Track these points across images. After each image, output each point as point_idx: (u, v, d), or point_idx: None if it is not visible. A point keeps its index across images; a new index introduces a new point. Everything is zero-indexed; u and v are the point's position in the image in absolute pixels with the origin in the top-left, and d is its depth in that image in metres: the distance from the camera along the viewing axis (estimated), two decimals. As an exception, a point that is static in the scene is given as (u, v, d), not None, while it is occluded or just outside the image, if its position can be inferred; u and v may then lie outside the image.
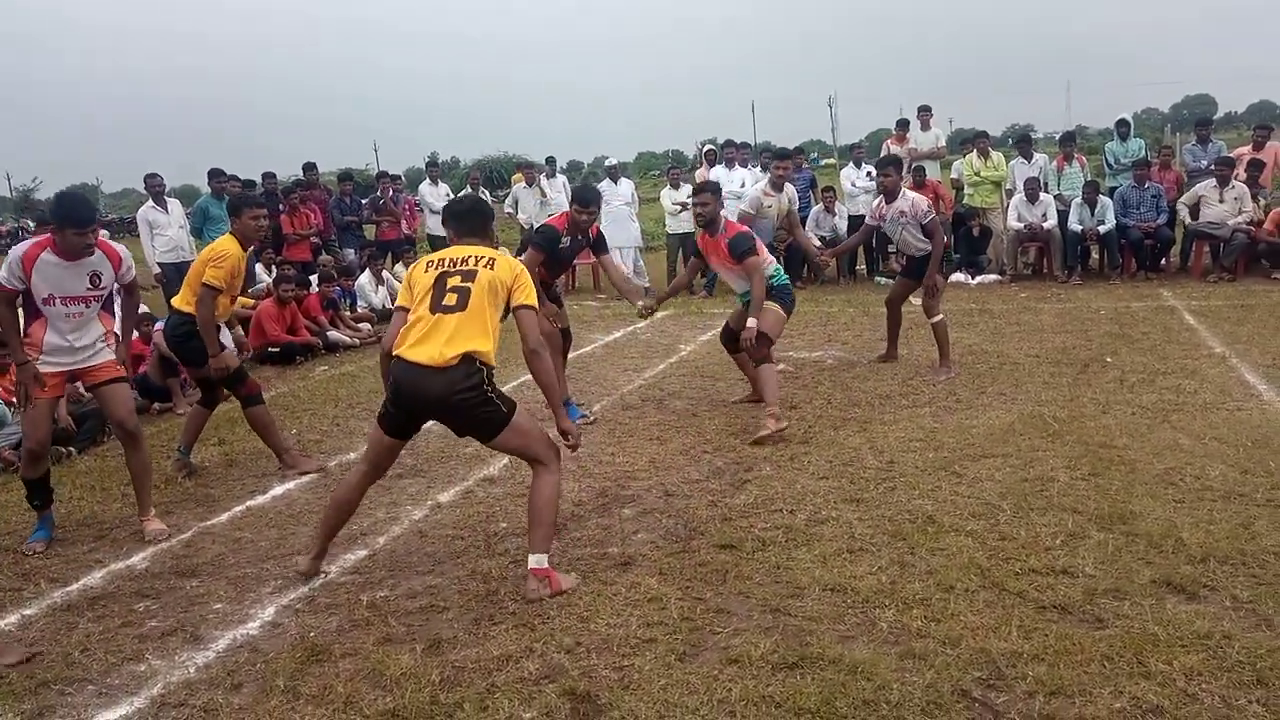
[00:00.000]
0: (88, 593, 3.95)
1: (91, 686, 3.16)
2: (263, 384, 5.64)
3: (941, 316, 7.01)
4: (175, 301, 5.51)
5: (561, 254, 6.10)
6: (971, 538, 3.89)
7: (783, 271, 6.16)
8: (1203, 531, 3.82)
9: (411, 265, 3.89)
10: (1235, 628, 3.07)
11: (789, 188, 7.50)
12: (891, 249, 12.68)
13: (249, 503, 4.96)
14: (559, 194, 12.95)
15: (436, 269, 3.71)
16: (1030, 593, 3.38)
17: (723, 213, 6.09)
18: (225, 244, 5.30)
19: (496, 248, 4.02)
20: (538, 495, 3.69)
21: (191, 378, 5.57)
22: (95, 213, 4.56)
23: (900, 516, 4.17)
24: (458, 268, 3.69)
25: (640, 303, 6.27)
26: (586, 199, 6.07)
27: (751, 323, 5.75)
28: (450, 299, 3.61)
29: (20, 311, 4.47)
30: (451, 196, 13.56)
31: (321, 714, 2.89)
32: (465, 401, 3.55)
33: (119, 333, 4.73)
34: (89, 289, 4.45)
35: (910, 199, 6.95)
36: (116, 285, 4.63)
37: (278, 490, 5.15)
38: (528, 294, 3.74)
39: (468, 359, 3.54)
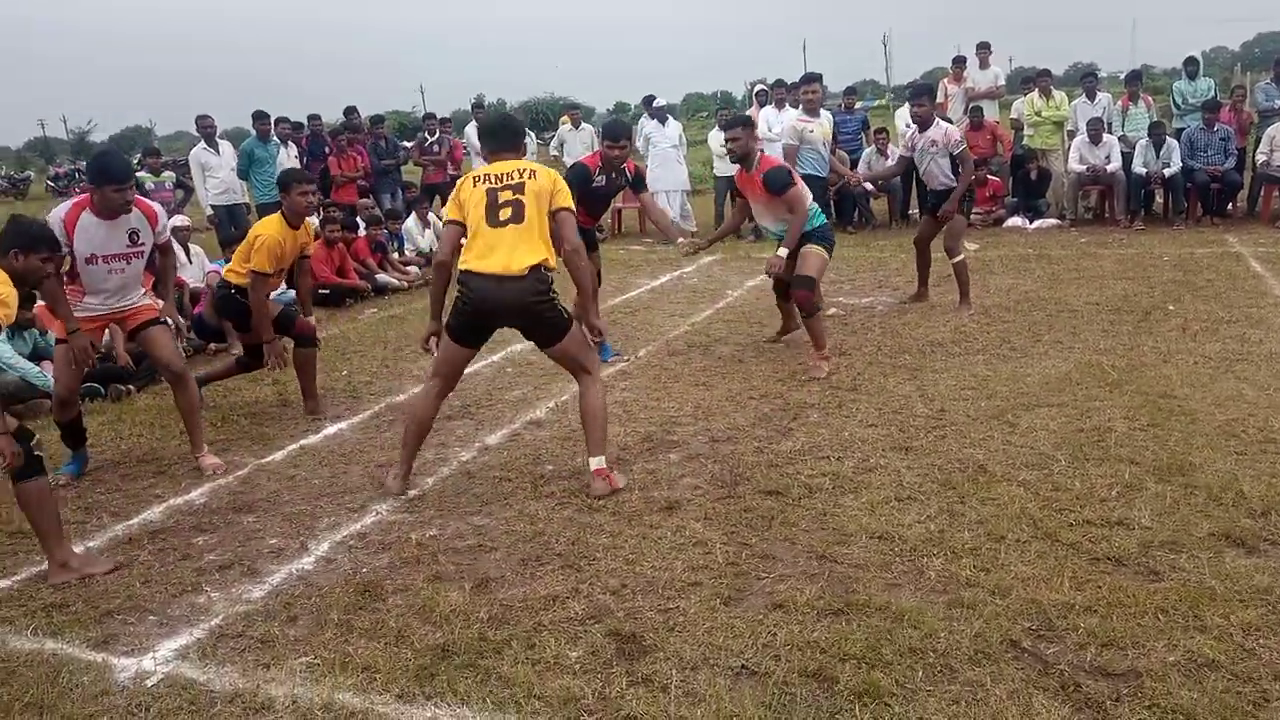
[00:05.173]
0: (148, 527, 4.07)
1: (153, 617, 3.27)
2: (315, 325, 5.67)
3: (963, 257, 7.13)
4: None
5: (597, 193, 6.07)
6: (1024, 488, 3.83)
7: (820, 212, 6.07)
8: (1264, 484, 3.71)
9: (460, 181, 4.12)
10: (1297, 583, 2.99)
11: (825, 112, 7.47)
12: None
13: (303, 441, 5.05)
14: (584, 146, 12.96)
15: (484, 184, 3.97)
16: (1084, 544, 3.33)
17: (759, 147, 6.00)
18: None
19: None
20: (591, 402, 4.07)
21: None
22: (131, 169, 4.77)
23: (950, 465, 4.12)
24: (504, 182, 3.95)
25: (681, 240, 6.25)
26: (616, 133, 5.99)
27: (782, 251, 5.80)
28: (505, 213, 3.89)
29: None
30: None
31: (374, 647, 2.95)
32: (537, 306, 3.92)
33: (162, 299, 4.92)
34: (129, 246, 4.58)
35: (943, 129, 7.00)
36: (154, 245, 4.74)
37: (330, 430, 5.23)
38: (566, 198, 4.02)
39: (535, 269, 3.86)
